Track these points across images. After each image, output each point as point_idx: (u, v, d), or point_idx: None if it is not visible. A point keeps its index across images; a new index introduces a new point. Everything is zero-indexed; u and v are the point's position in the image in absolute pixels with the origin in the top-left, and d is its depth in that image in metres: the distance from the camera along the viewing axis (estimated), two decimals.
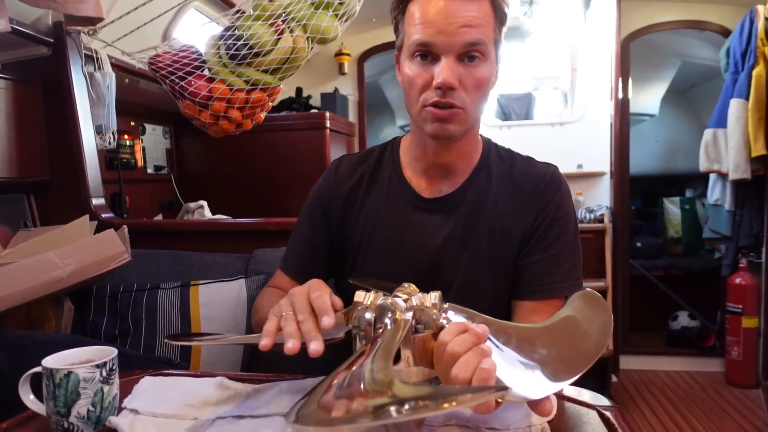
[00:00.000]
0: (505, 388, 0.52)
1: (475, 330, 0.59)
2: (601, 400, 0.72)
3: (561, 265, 0.90)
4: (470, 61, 0.82)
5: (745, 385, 2.92)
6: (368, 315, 0.64)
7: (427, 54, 0.83)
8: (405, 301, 0.66)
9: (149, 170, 2.44)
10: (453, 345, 0.58)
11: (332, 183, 1.00)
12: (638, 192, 4.60)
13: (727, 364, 3.03)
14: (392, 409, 0.44)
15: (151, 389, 0.77)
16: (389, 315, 0.63)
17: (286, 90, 2.16)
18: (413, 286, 0.70)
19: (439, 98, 0.82)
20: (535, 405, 0.56)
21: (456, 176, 0.94)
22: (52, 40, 1.61)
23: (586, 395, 0.73)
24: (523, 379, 0.58)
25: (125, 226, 1.28)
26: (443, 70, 0.80)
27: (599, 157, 3.25)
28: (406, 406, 0.44)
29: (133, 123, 2.33)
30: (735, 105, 2.80)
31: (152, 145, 2.47)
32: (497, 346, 0.63)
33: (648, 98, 4.44)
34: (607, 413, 0.68)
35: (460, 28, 0.80)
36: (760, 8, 2.72)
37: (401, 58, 0.88)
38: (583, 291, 0.69)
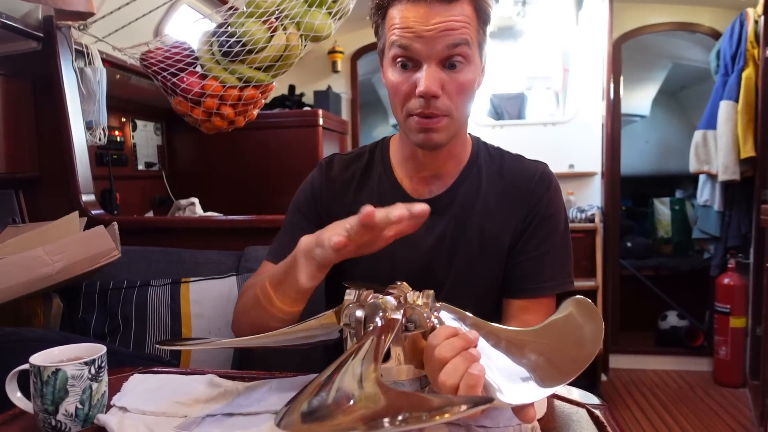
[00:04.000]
0: (491, 400, 0.52)
1: (465, 334, 0.59)
2: (591, 399, 0.72)
3: (551, 264, 0.90)
4: (452, 66, 0.81)
5: (733, 385, 2.95)
6: (359, 313, 0.64)
7: (408, 60, 0.81)
8: (396, 299, 0.66)
9: (140, 167, 2.42)
10: (441, 349, 0.58)
11: (324, 181, 0.99)
12: (629, 192, 4.63)
13: (715, 363, 3.06)
14: (385, 420, 0.44)
15: (140, 387, 0.77)
16: (380, 313, 0.63)
17: (278, 87, 2.15)
18: (405, 285, 0.70)
19: (423, 108, 0.81)
20: (519, 410, 0.56)
21: (446, 176, 0.94)
22: (41, 35, 1.59)
23: (575, 393, 0.74)
24: (510, 384, 0.58)
25: (115, 223, 1.27)
26: (425, 78, 0.79)
27: (591, 157, 3.27)
28: (400, 418, 0.44)
29: (124, 119, 2.31)
30: (725, 107, 2.83)
31: (143, 142, 2.45)
32: (486, 350, 0.63)
33: (639, 99, 4.46)
34: (597, 411, 0.68)
35: (440, 32, 0.78)
36: (750, 11, 2.75)
37: (384, 63, 0.87)
38: (576, 298, 0.69)
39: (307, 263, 0.72)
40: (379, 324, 0.61)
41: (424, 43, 0.79)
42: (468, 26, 0.80)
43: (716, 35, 3.19)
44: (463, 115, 0.86)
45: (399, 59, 0.82)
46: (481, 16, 0.83)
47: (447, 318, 0.66)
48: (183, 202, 2.30)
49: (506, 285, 0.92)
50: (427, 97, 0.80)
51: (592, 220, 3.00)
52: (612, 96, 3.11)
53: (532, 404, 0.56)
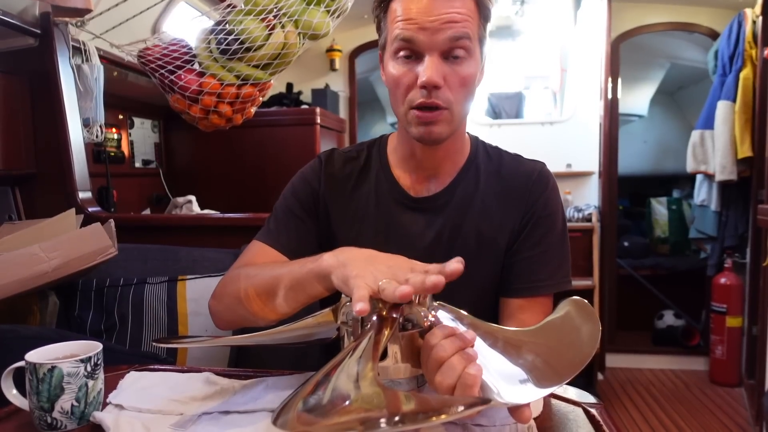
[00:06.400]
0: (488, 401, 0.52)
1: (462, 334, 0.59)
2: (587, 398, 0.72)
3: (549, 263, 0.90)
4: (455, 58, 0.81)
5: (729, 384, 2.96)
6: None
7: (411, 53, 0.81)
8: None
9: (137, 164, 2.42)
10: (438, 349, 0.58)
11: (323, 174, 0.98)
12: (626, 192, 4.64)
13: (711, 362, 3.07)
14: (382, 420, 0.44)
15: (136, 384, 0.77)
16: (377, 312, 0.63)
17: (276, 85, 2.15)
18: None
19: (425, 99, 0.81)
20: (515, 410, 0.56)
21: (444, 175, 0.94)
22: (39, 31, 1.58)
23: (572, 393, 0.74)
24: (507, 384, 0.58)
25: (112, 220, 1.27)
26: (428, 69, 0.79)
27: (588, 157, 3.27)
28: (396, 418, 0.44)
29: (121, 116, 2.31)
30: (722, 107, 2.83)
31: (141, 139, 2.45)
32: (483, 350, 0.62)
33: (637, 99, 4.47)
34: (593, 410, 0.68)
35: (443, 24, 0.79)
36: (748, 12, 2.75)
37: (385, 57, 0.87)
38: (573, 298, 0.69)
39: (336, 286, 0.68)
40: (377, 322, 0.61)
41: (427, 34, 0.79)
42: (470, 20, 0.81)
43: (714, 35, 3.20)
44: (462, 110, 0.86)
45: (401, 51, 0.82)
46: (483, 12, 0.84)
47: (444, 317, 0.66)
48: (180, 199, 2.30)
49: (503, 284, 0.92)
50: (429, 88, 0.80)
51: (589, 220, 3.01)
52: (610, 95, 3.11)
53: (527, 404, 0.56)
